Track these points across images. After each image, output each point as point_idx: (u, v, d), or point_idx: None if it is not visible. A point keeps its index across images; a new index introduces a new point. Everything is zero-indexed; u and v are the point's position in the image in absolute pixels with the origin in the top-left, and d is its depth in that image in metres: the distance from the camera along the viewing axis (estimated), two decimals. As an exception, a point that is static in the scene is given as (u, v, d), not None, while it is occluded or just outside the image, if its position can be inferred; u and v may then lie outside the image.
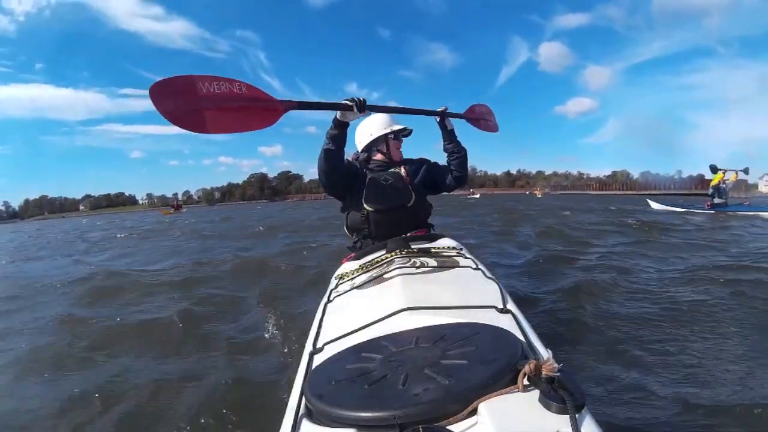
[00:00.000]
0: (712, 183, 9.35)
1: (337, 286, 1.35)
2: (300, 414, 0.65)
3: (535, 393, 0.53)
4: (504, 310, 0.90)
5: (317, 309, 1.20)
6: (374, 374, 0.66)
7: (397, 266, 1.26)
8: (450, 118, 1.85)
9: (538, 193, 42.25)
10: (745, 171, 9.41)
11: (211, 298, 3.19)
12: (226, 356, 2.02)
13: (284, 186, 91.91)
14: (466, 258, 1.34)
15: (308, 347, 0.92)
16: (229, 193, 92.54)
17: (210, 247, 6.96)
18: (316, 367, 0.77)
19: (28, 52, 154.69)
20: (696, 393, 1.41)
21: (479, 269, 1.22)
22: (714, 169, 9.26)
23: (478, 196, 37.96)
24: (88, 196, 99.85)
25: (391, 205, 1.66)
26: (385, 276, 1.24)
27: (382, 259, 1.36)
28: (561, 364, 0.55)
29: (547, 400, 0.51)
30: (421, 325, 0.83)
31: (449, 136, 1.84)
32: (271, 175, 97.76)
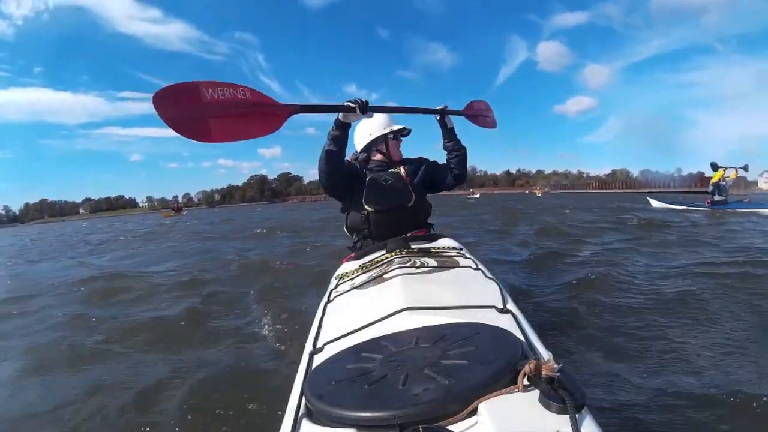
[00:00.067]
0: (713, 180, 9.36)
1: (337, 286, 1.35)
2: (300, 414, 0.65)
3: (535, 393, 0.53)
4: (504, 310, 0.89)
5: (317, 309, 1.20)
6: (374, 374, 0.66)
7: (397, 266, 1.26)
8: (450, 117, 1.85)
9: (538, 192, 42.28)
10: (745, 168, 9.42)
11: (211, 299, 3.20)
12: (226, 356, 2.03)
13: (284, 188, 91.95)
14: (466, 258, 1.34)
15: (308, 347, 0.92)
16: (229, 195, 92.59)
17: (210, 249, 6.97)
18: (316, 367, 0.77)
19: (26, 56, 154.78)
20: (697, 393, 1.40)
21: (479, 269, 1.22)
22: (715, 167, 9.28)
23: (477, 195, 37.97)
24: (88, 200, 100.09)
25: (391, 206, 1.66)
26: (385, 276, 1.24)
27: (382, 259, 1.36)
28: (561, 364, 0.55)
29: (547, 400, 0.51)
30: (421, 325, 0.83)
31: (449, 134, 1.84)
32: (271, 176, 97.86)
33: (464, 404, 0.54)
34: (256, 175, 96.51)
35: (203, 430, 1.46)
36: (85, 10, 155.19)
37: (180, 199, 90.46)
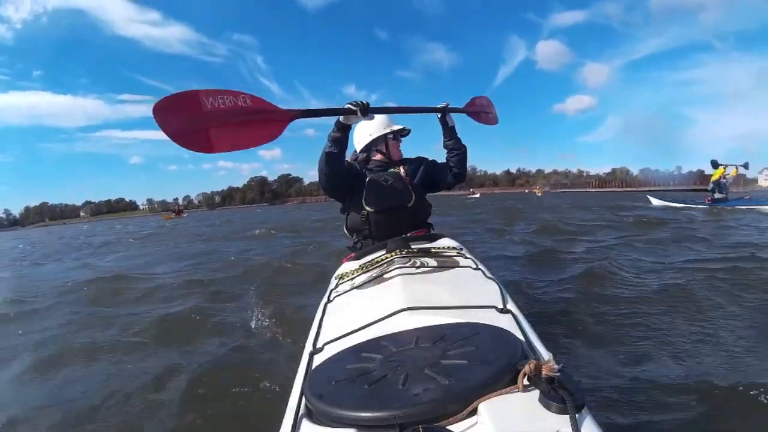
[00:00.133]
0: (713, 178, 9.37)
1: (337, 286, 1.35)
2: (300, 414, 0.64)
3: (535, 393, 0.53)
4: (504, 310, 0.89)
5: (317, 309, 1.20)
6: (374, 374, 0.65)
7: (397, 266, 1.26)
8: (451, 115, 1.84)
9: (538, 192, 42.28)
10: (745, 166, 9.44)
11: (211, 300, 3.21)
12: (226, 356, 2.03)
13: (284, 189, 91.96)
14: (466, 258, 1.34)
15: (308, 347, 0.91)
16: (229, 197, 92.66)
17: (211, 250, 6.99)
18: (316, 367, 0.77)
19: (25, 60, 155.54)
20: (698, 393, 1.40)
21: (479, 269, 1.22)
22: (715, 165, 9.29)
23: (478, 195, 37.99)
24: (88, 203, 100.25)
25: (391, 206, 1.66)
26: (385, 276, 1.23)
27: (382, 259, 1.36)
28: (561, 364, 0.55)
29: (547, 400, 0.51)
30: (421, 325, 0.82)
31: (450, 132, 1.83)
32: (271, 178, 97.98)
33: (464, 404, 0.54)
34: (256, 177, 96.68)
35: (203, 430, 1.46)
36: (84, 13, 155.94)
37: (180, 202, 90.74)
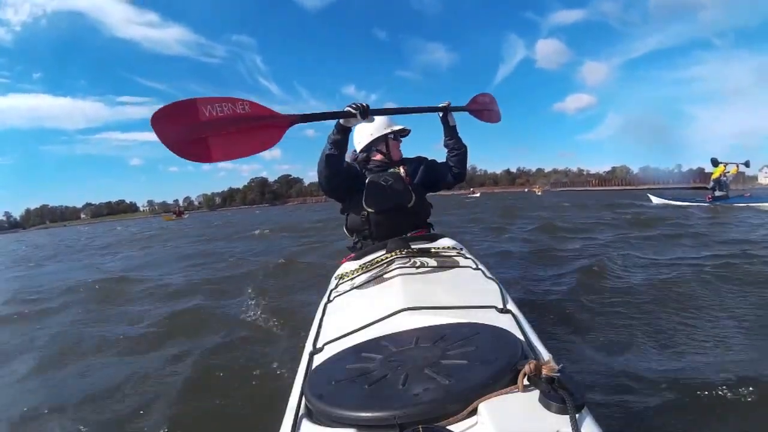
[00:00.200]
0: (713, 176, 9.36)
1: (337, 286, 1.35)
2: (300, 414, 0.64)
3: (535, 393, 0.53)
4: (504, 310, 0.89)
5: (317, 309, 1.20)
6: (374, 374, 0.65)
7: (397, 266, 1.26)
8: (453, 115, 1.83)
9: (538, 191, 42.27)
10: (746, 164, 9.42)
11: (211, 300, 3.22)
12: (226, 356, 2.03)
13: (285, 190, 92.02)
14: (466, 258, 1.34)
15: (308, 347, 0.91)
16: (229, 197, 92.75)
17: (211, 251, 6.99)
18: (316, 367, 0.77)
19: (25, 62, 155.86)
20: (698, 393, 1.39)
21: (479, 269, 1.22)
22: (715, 163, 9.28)
23: (478, 194, 37.96)
24: (88, 204, 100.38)
25: (391, 207, 1.66)
26: (385, 276, 1.23)
27: (382, 259, 1.36)
28: (561, 364, 0.55)
29: (547, 400, 0.51)
30: (421, 325, 0.82)
31: (451, 132, 1.83)
32: (272, 179, 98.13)
33: (464, 404, 0.54)
34: (256, 178, 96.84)
35: (203, 430, 1.46)
36: (83, 15, 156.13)
37: (181, 203, 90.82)
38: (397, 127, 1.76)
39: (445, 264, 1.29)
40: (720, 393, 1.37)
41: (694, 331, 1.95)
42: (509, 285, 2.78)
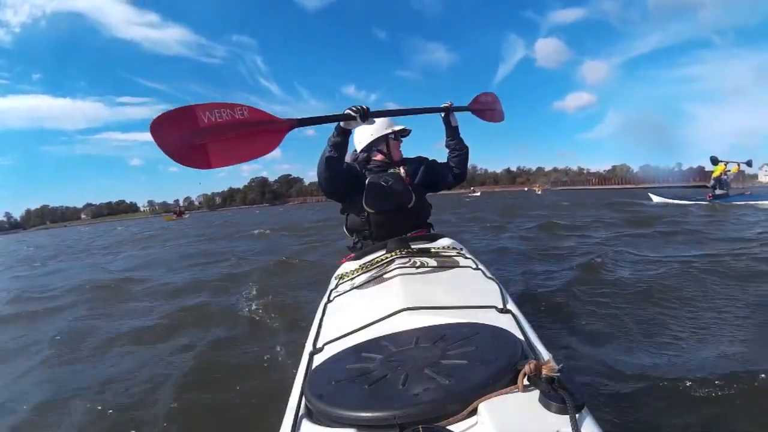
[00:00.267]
0: (714, 175, 9.34)
1: (337, 286, 1.35)
2: (300, 414, 0.65)
3: (535, 393, 0.53)
4: (504, 310, 0.89)
5: (317, 309, 1.20)
6: (374, 374, 0.66)
7: (397, 266, 1.26)
8: (455, 115, 1.82)
9: (538, 190, 42.23)
10: (748, 163, 9.39)
11: (211, 299, 3.21)
12: (226, 356, 2.03)
13: (285, 189, 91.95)
14: (466, 258, 1.34)
15: (308, 347, 0.92)
16: (230, 197, 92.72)
17: (211, 251, 6.99)
18: (316, 367, 0.77)
19: (25, 63, 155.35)
20: (698, 392, 1.39)
21: (479, 269, 1.22)
22: (714, 161, 9.25)
23: (478, 193, 37.93)
24: (89, 205, 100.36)
25: (391, 207, 1.66)
26: (385, 276, 1.24)
27: (382, 259, 1.36)
28: (561, 364, 0.55)
29: (547, 400, 0.51)
30: (421, 325, 0.82)
31: (453, 132, 1.83)
32: (272, 178, 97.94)
33: (464, 404, 0.54)
34: (256, 178, 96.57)
35: (203, 429, 1.46)
36: (82, 16, 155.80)
37: (181, 203, 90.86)
38: (397, 127, 1.76)
39: (445, 264, 1.29)
40: (721, 393, 1.37)
41: (696, 331, 1.95)
42: (509, 284, 2.78)
